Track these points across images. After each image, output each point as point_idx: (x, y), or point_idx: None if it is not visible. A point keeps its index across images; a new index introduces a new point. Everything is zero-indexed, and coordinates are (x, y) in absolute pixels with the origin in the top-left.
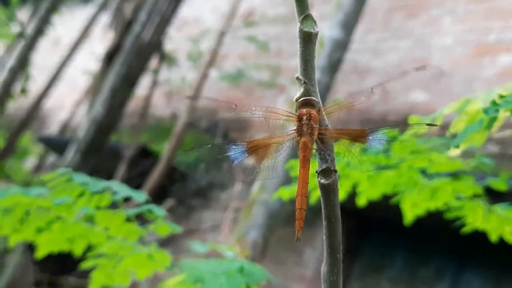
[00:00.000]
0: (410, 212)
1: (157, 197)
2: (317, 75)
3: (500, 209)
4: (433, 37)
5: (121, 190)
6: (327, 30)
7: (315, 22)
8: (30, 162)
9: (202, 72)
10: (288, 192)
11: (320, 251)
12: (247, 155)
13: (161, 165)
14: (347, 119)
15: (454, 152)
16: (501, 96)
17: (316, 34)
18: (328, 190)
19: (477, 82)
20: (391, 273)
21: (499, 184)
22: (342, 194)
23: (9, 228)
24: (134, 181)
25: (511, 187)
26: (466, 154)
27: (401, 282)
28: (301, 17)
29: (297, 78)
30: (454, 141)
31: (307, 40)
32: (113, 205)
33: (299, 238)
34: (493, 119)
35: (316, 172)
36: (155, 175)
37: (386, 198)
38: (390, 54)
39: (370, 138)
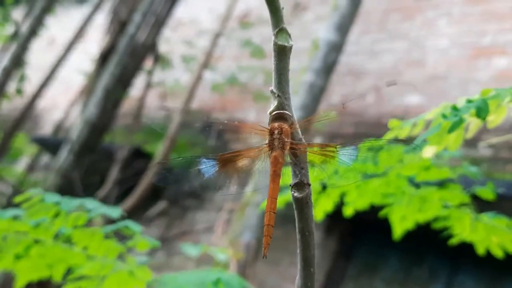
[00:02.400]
0: (400, 226)
1: (151, 198)
2: (312, 77)
3: (487, 218)
4: (429, 39)
5: (96, 207)
6: (322, 32)
7: (289, 35)
8: (23, 162)
9: (196, 73)
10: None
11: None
12: (217, 168)
13: (155, 167)
14: (341, 121)
15: (427, 153)
16: (469, 101)
17: (290, 47)
18: (302, 204)
19: (472, 85)
20: (385, 273)
21: (486, 193)
22: (330, 204)
23: None
24: (128, 182)
25: (500, 193)
26: (457, 161)
27: (395, 283)
28: (276, 31)
29: (271, 92)
30: (416, 142)
31: (282, 53)
32: (90, 223)
33: (265, 255)
34: (457, 124)
35: (290, 185)
36: (148, 176)
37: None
38: (386, 56)
39: (340, 153)
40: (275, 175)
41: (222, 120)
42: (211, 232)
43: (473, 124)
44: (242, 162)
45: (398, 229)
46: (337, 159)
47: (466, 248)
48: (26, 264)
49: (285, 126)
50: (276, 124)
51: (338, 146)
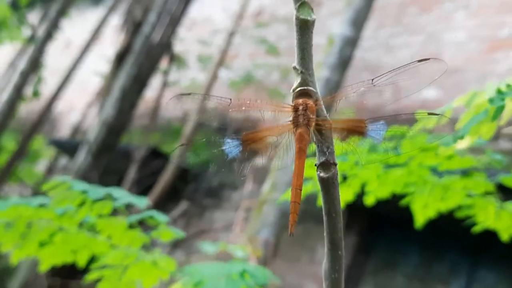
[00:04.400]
0: (421, 214)
1: (169, 198)
2: (327, 72)
3: None
4: (446, 32)
5: (122, 196)
6: (337, 27)
7: (311, 9)
8: (42, 164)
9: (212, 72)
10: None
11: None
12: (242, 148)
13: (172, 166)
14: (358, 116)
15: (462, 144)
16: (508, 86)
17: (313, 21)
18: (328, 184)
19: (490, 78)
20: (406, 269)
21: (511, 181)
22: (350, 194)
23: (11, 244)
24: (145, 182)
25: None
26: (477, 151)
27: (415, 278)
28: (298, 4)
29: (294, 68)
30: (458, 133)
31: (304, 27)
32: (115, 213)
33: (292, 233)
34: (500, 109)
35: (315, 165)
36: (166, 176)
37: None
38: (402, 50)
39: (369, 128)
40: (301, 151)
41: (243, 102)
42: (230, 231)
43: (507, 109)
44: (266, 141)
45: (420, 217)
46: (366, 134)
47: (487, 243)
48: (50, 250)
49: (310, 102)
50: (300, 100)
51: (367, 121)
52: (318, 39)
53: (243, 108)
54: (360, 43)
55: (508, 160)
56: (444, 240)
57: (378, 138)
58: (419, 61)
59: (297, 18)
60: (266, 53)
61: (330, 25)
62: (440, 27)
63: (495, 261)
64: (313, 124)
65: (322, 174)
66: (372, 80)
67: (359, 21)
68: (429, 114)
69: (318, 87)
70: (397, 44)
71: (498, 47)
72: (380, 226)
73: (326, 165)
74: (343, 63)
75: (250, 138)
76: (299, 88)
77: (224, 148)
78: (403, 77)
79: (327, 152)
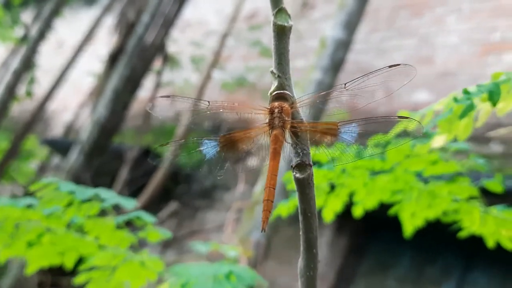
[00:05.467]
0: (410, 223)
1: (161, 198)
2: (320, 75)
3: (496, 210)
4: (438, 35)
5: (110, 197)
6: (329, 30)
7: (289, 15)
8: (34, 164)
9: (205, 73)
10: (286, 208)
11: (325, 251)
12: (219, 149)
13: (164, 167)
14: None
15: (437, 143)
16: (480, 86)
17: (290, 27)
18: (303, 184)
19: (482, 81)
20: (398, 271)
21: (494, 185)
22: (339, 204)
23: (0, 244)
24: (137, 182)
25: (509, 188)
26: (465, 154)
27: (407, 281)
28: (275, 11)
29: (271, 72)
30: (426, 127)
31: (281, 33)
32: (103, 213)
33: (264, 229)
34: (469, 108)
35: (291, 166)
36: (158, 177)
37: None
38: (395, 53)
39: (341, 131)
40: (275, 152)
41: (221, 104)
42: (221, 231)
43: (483, 111)
44: (243, 142)
45: (409, 226)
46: (338, 136)
47: (479, 246)
48: (37, 251)
49: (285, 105)
50: (276, 103)
51: (339, 123)
52: (311, 42)
53: (221, 110)
54: (353, 46)
55: (499, 163)
56: (437, 243)
57: (350, 140)
58: (390, 66)
59: (275, 24)
60: (260, 55)
61: (323, 28)
62: (433, 30)
63: (487, 264)
64: (288, 126)
65: (298, 175)
66: (345, 84)
67: (351, 24)
68: (400, 117)
69: (311, 89)
70: (390, 47)
71: (490, 51)
72: (372, 228)
73: (301, 166)
74: (336, 65)
75: (227, 139)
76: (275, 92)
77: (202, 148)
78: (375, 81)
79: (301, 154)
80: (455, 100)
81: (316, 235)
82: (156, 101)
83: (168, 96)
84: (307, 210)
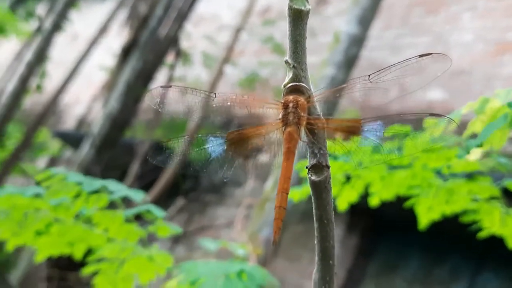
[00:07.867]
0: (425, 216)
1: (172, 193)
2: (333, 70)
3: None
4: (453, 33)
5: (118, 189)
6: (343, 25)
7: None
8: (46, 157)
9: (217, 68)
10: (298, 194)
11: (336, 251)
12: (226, 147)
13: (175, 162)
14: (363, 116)
15: (475, 155)
16: None
17: (307, 12)
18: (320, 188)
19: (496, 80)
20: (406, 272)
21: None
22: (354, 195)
23: (8, 232)
24: (148, 176)
25: None
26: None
27: (416, 282)
28: None
29: (286, 62)
30: (474, 141)
31: (297, 18)
32: (113, 206)
33: (276, 241)
34: None
35: (307, 167)
36: (168, 172)
37: (401, 197)
38: (408, 51)
39: (365, 129)
40: (289, 152)
41: (229, 96)
42: (231, 228)
43: None
44: (253, 140)
45: (424, 219)
46: (361, 135)
47: (489, 248)
48: (46, 240)
49: (301, 99)
50: (291, 97)
51: (362, 121)
52: (324, 38)
53: (228, 103)
54: (367, 43)
55: None
56: (446, 244)
57: (374, 140)
58: (420, 56)
59: (290, 8)
60: (272, 51)
61: (336, 24)
62: (447, 28)
63: (498, 266)
64: (304, 122)
65: (313, 178)
66: (369, 76)
67: (366, 20)
68: (431, 115)
69: (323, 85)
70: (404, 44)
71: (505, 50)
72: (382, 228)
73: (318, 167)
74: (349, 61)
75: (236, 137)
76: (290, 84)
77: (207, 146)
78: (403, 73)
79: (318, 154)
80: (510, 105)
81: (333, 244)
82: (156, 91)
83: (169, 86)
84: (324, 216)
